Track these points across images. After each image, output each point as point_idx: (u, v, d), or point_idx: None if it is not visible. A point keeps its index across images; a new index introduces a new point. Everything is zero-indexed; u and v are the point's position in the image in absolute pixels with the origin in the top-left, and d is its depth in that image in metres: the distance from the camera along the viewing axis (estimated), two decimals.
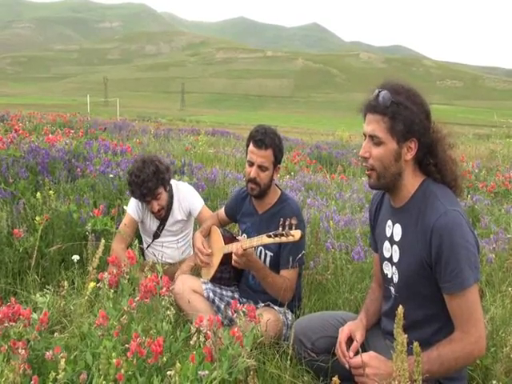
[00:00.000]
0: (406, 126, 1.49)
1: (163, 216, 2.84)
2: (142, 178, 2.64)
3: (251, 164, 2.27)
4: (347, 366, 1.61)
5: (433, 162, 1.54)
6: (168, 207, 2.88)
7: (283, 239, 1.86)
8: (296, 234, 1.82)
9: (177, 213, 2.91)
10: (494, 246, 3.10)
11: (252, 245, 2.06)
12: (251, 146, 2.28)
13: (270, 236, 1.90)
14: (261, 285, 2.22)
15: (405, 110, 1.48)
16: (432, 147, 1.54)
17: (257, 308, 2.04)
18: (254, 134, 2.27)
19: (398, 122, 1.49)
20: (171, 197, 2.90)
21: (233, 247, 2.19)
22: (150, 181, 2.65)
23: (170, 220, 2.92)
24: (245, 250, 2.05)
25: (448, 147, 1.56)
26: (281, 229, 1.85)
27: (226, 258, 2.32)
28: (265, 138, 2.22)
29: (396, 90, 1.51)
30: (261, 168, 2.25)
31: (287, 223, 1.84)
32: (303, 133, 24.42)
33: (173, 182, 2.97)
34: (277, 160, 2.29)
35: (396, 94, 1.50)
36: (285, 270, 2.19)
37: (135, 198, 2.76)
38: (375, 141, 1.53)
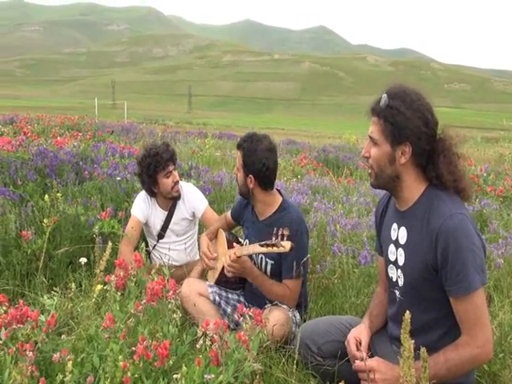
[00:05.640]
0: (399, 130, 1.49)
1: (178, 194, 2.90)
2: (161, 146, 2.85)
3: None
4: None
5: (434, 172, 1.52)
6: (173, 203, 2.95)
7: (274, 249, 1.88)
8: (286, 245, 1.84)
9: (183, 210, 2.96)
10: (503, 250, 3.07)
11: (244, 253, 2.08)
12: None
13: (262, 245, 1.93)
14: None
15: (398, 115, 1.48)
16: (433, 156, 1.52)
17: (265, 308, 2.04)
18: None
19: (390, 126, 1.50)
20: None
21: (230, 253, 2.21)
22: (169, 146, 2.89)
23: (175, 218, 2.95)
24: (238, 257, 2.07)
25: (457, 158, 1.53)
26: (274, 238, 1.87)
27: None
28: (240, 140, 2.30)
29: (394, 94, 1.52)
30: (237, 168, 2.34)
31: (280, 233, 1.87)
32: (310, 136, 24.40)
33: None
34: (245, 165, 2.23)
35: (392, 99, 1.51)
36: (286, 280, 2.17)
37: (160, 168, 2.78)
38: (373, 141, 1.56)
